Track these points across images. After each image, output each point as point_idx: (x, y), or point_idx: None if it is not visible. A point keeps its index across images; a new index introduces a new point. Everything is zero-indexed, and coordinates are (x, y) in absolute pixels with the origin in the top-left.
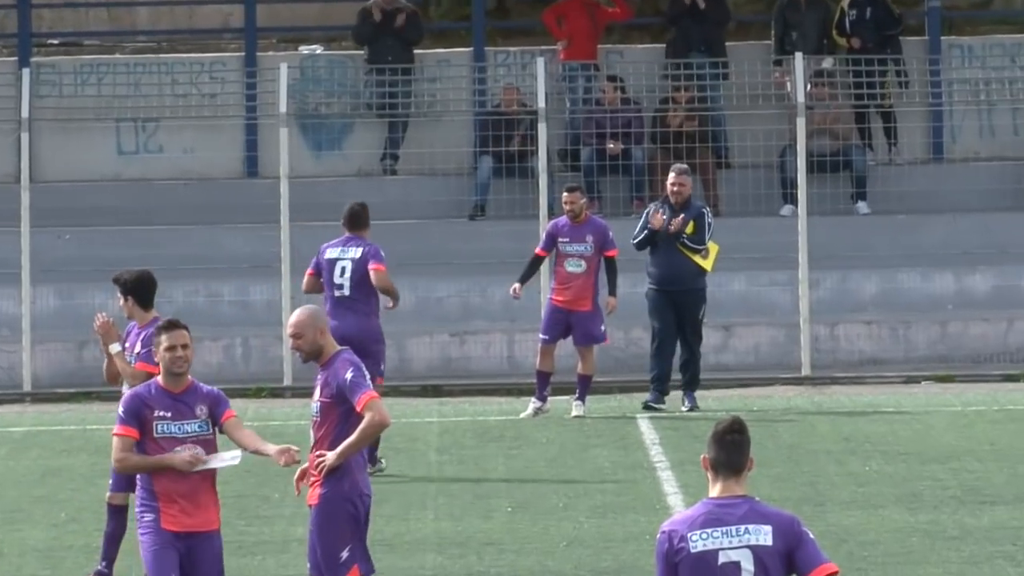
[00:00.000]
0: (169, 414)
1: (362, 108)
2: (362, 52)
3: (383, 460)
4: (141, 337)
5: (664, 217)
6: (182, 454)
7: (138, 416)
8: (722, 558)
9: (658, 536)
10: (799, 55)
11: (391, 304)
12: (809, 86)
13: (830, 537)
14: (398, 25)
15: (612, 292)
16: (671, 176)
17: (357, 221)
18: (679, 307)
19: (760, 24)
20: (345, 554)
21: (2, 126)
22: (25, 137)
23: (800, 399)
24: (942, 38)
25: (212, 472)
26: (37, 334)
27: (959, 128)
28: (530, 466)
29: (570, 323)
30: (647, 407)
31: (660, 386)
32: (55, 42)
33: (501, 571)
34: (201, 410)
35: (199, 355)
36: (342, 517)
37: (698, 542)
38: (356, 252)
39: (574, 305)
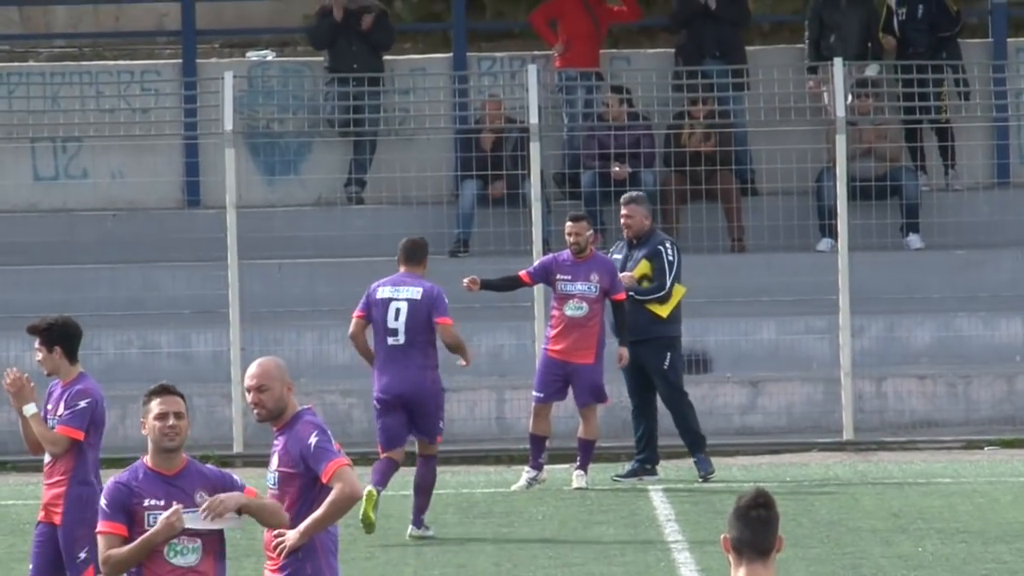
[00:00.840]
0: (162, 502)
1: (322, 125)
2: (321, 58)
3: (430, 527)
4: (65, 397)
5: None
6: (160, 521)
7: (125, 508)
8: None
9: None
10: (838, 61)
11: (463, 362)
12: (850, 98)
13: None
14: (363, 27)
15: (623, 342)
16: (622, 208)
17: (415, 254)
18: (637, 360)
19: (792, 25)
20: None
21: None
22: None
23: (841, 467)
24: (1009, 40)
25: (220, 557)
26: None
27: None
28: (523, 547)
29: (569, 378)
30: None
31: (641, 454)
32: None
33: None
34: (201, 497)
35: (133, 416)
36: None
37: None
38: (414, 292)
39: (574, 356)
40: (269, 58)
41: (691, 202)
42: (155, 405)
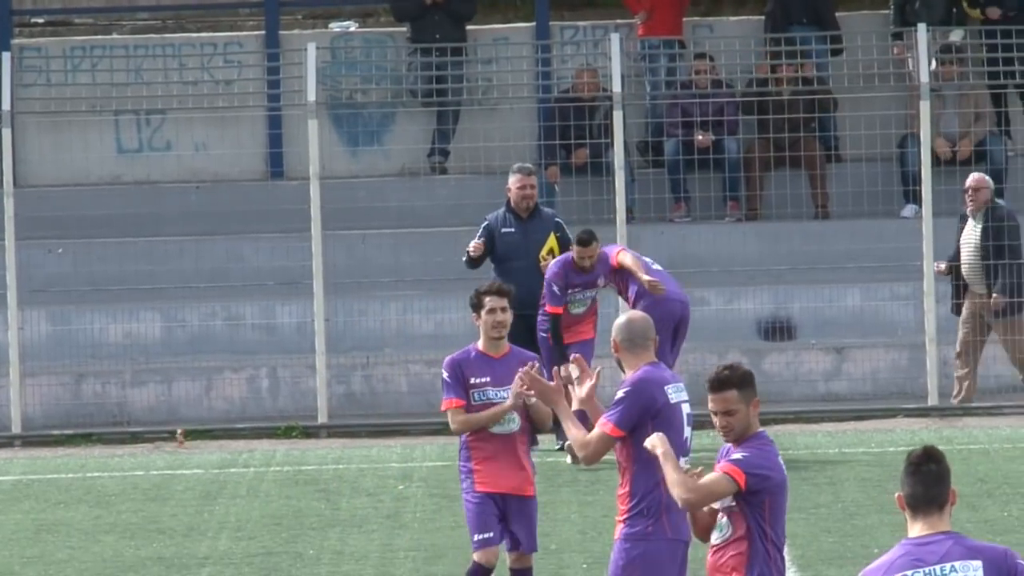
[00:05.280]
0: None
1: (405, 95)
2: (404, 29)
3: None
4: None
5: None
6: None
7: None
8: None
9: None
10: (923, 27)
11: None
12: (934, 64)
13: None
14: None
15: None
16: (523, 177)
17: None
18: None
19: None
20: None
21: None
22: (7, 134)
23: (927, 433)
24: None
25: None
26: (27, 366)
27: None
28: (608, 515)
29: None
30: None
31: None
32: (40, 21)
33: None
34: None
35: (219, 388)
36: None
37: None
38: None
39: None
40: (352, 29)
41: (775, 169)
42: (709, 401)
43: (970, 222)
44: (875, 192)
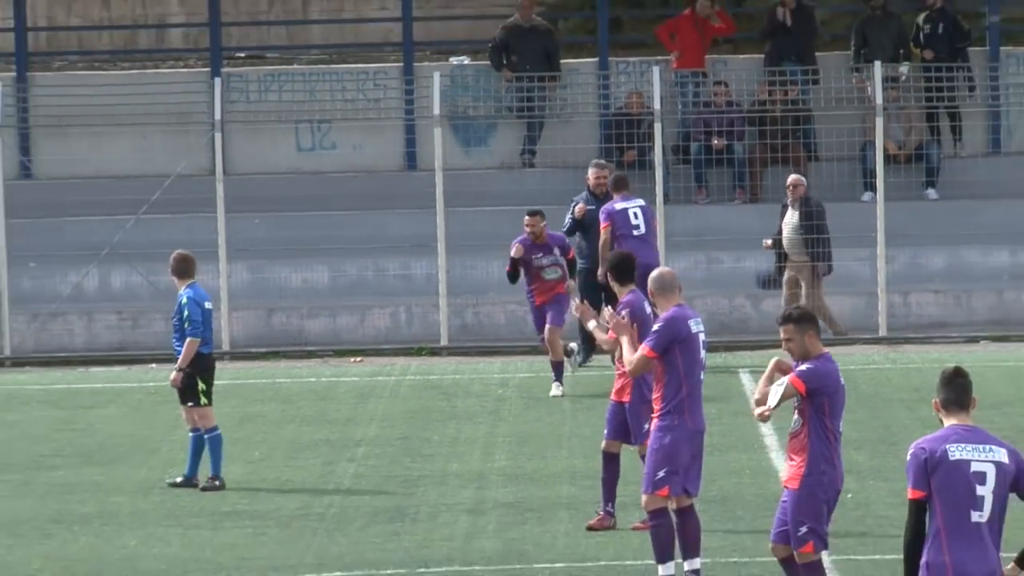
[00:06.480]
0: None
1: (504, 111)
2: (505, 62)
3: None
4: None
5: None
6: None
7: None
8: (974, 467)
9: (912, 451)
10: (877, 62)
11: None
12: (886, 90)
13: (902, 470)
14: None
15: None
16: (599, 170)
17: (621, 183)
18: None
19: (844, 37)
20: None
21: (199, 127)
22: (218, 137)
23: (877, 356)
24: (1001, 48)
25: None
26: (233, 303)
27: (1015, 126)
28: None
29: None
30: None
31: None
32: (242, 55)
33: (624, 499)
34: None
35: (370, 320)
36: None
37: (955, 452)
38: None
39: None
40: (466, 62)
41: (771, 165)
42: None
43: (790, 210)
44: (843, 183)
